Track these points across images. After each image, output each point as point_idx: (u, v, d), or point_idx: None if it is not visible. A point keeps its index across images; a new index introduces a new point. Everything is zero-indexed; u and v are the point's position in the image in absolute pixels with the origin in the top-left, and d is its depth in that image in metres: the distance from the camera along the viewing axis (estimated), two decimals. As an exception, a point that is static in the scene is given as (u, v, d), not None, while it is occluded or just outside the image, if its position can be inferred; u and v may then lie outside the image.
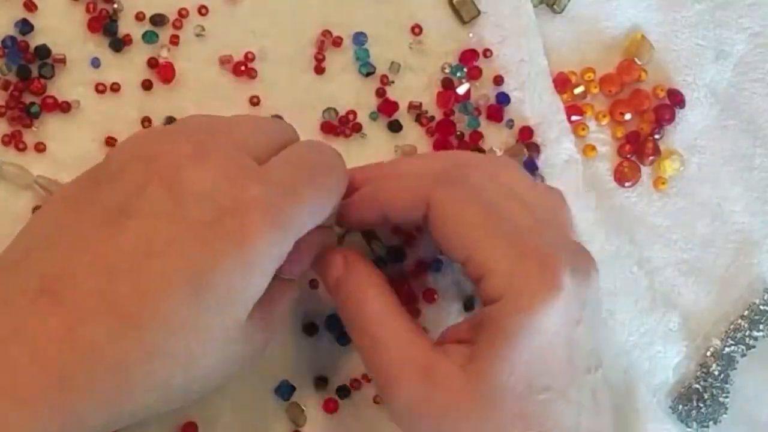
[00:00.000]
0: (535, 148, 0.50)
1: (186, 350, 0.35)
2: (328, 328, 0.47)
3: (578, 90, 0.52)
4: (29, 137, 0.45)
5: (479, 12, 0.50)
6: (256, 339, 0.39)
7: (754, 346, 0.52)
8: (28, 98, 0.45)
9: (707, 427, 0.51)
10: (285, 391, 0.46)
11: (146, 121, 0.47)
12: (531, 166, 0.50)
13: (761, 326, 0.52)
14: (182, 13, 0.47)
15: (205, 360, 0.36)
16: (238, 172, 0.37)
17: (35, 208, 0.45)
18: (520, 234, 0.38)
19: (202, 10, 0.48)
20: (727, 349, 0.52)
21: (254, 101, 0.48)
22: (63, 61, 0.46)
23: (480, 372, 0.37)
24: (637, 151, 0.52)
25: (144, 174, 0.36)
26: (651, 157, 0.52)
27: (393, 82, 0.49)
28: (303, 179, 0.38)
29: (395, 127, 0.49)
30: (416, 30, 0.50)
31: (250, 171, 0.37)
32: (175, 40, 0.47)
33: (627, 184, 0.52)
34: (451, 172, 0.41)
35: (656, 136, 0.52)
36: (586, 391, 0.38)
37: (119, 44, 0.46)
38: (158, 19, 0.47)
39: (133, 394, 0.35)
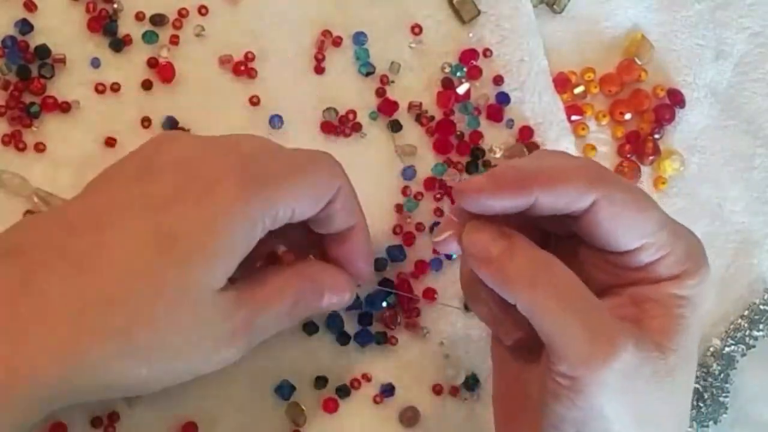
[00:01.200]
0: (535, 148, 0.50)
1: (144, 302, 0.35)
2: (328, 328, 0.47)
3: (578, 90, 0.52)
4: (29, 137, 0.45)
5: (479, 12, 0.50)
6: (234, 319, 0.38)
7: (754, 346, 0.52)
8: (28, 98, 0.45)
9: (707, 427, 0.51)
10: (285, 391, 0.46)
11: (146, 121, 0.47)
12: (531, 166, 0.50)
13: (761, 326, 0.52)
14: (182, 13, 0.47)
15: (168, 319, 0.36)
16: (220, 147, 0.38)
17: (26, 212, 0.45)
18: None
19: (202, 10, 0.48)
20: (727, 349, 0.52)
21: (254, 101, 0.48)
22: (63, 61, 0.46)
23: (673, 346, 0.37)
24: (637, 151, 0.52)
25: (134, 151, 0.39)
26: (651, 157, 0.52)
27: (393, 82, 0.49)
28: (283, 168, 0.39)
29: (395, 126, 0.49)
30: (416, 30, 0.50)
31: (234, 151, 0.38)
32: (175, 40, 0.47)
33: (627, 184, 0.52)
34: (600, 167, 0.40)
35: (656, 136, 0.52)
36: None
37: (119, 44, 0.46)
38: (158, 19, 0.47)
39: (85, 343, 0.34)
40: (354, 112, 0.49)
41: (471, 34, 0.50)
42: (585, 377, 0.35)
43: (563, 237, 0.40)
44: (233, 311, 0.38)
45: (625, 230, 0.37)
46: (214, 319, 0.37)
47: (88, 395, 0.37)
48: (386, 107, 0.49)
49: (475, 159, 0.49)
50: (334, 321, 0.47)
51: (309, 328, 0.47)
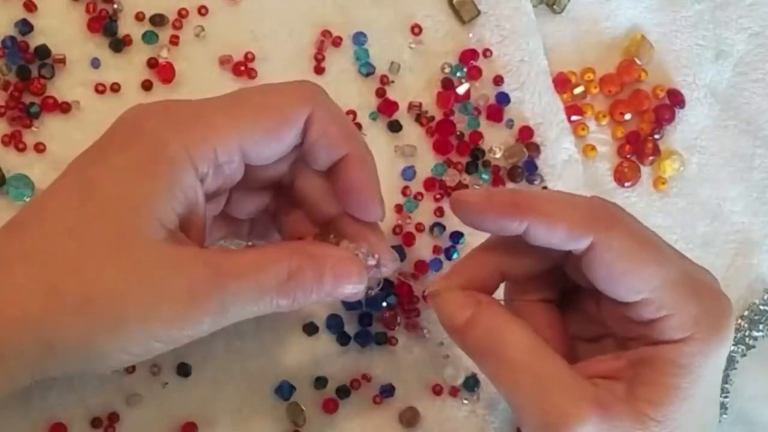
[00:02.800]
0: (534, 148, 0.50)
1: (74, 255, 0.34)
2: (328, 328, 0.47)
3: (578, 90, 0.52)
4: (29, 137, 0.45)
5: (479, 12, 0.50)
6: (191, 276, 0.35)
7: (754, 346, 0.52)
8: (28, 98, 0.45)
9: (707, 427, 0.51)
10: (285, 391, 0.46)
11: (146, 121, 0.47)
12: (531, 166, 0.50)
13: (761, 326, 0.52)
14: (182, 13, 0.47)
15: (98, 271, 0.34)
16: (157, 103, 0.37)
17: None
18: (688, 271, 0.37)
19: (202, 10, 0.48)
20: (727, 349, 0.52)
21: (254, 101, 0.48)
22: (63, 61, 0.46)
23: (658, 418, 0.35)
24: (637, 151, 0.52)
25: None
26: (651, 157, 0.52)
27: (393, 82, 0.49)
28: (218, 104, 0.37)
29: (395, 127, 0.49)
30: (416, 30, 0.50)
31: (168, 101, 0.37)
32: (175, 40, 0.47)
33: (627, 184, 0.52)
34: (613, 211, 0.38)
35: (656, 136, 0.52)
36: None
37: (119, 44, 0.46)
38: (158, 19, 0.47)
39: (11, 297, 0.33)
40: (354, 112, 0.49)
41: (471, 34, 0.50)
42: None
43: (586, 285, 0.39)
44: (188, 267, 0.35)
45: (621, 281, 0.36)
46: (160, 272, 0.34)
47: (41, 359, 0.34)
48: (386, 107, 0.49)
49: (475, 159, 0.49)
50: (334, 321, 0.47)
51: (309, 328, 0.47)
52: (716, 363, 0.36)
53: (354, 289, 0.38)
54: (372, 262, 0.39)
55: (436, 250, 0.49)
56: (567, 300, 0.41)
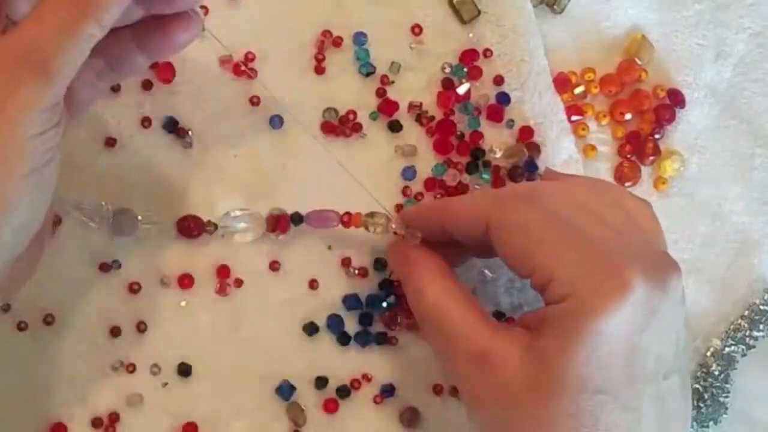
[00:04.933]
0: (535, 148, 0.50)
1: None
2: (328, 328, 0.47)
3: (578, 90, 0.52)
4: (29, 137, 0.45)
5: (479, 12, 0.50)
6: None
7: (754, 346, 0.52)
8: (28, 98, 0.45)
9: (707, 427, 0.51)
10: (285, 391, 0.46)
11: (146, 121, 0.47)
12: (531, 166, 0.50)
13: (761, 326, 0.52)
14: (182, 13, 0.47)
15: None
16: None
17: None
18: (590, 242, 0.38)
19: (202, 10, 0.48)
20: (727, 349, 0.52)
21: (254, 101, 0.48)
22: (63, 61, 0.46)
23: (536, 361, 0.38)
24: (637, 151, 0.52)
25: None
26: (651, 157, 0.52)
27: (393, 82, 0.49)
28: None
29: (395, 127, 0.49)
30: (416, 30, 0.50)
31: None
32: (175, 40, 0.47)
33: (627, 184, 0.52)
34: (513, 193, 0.43)
35: (656, 136, 0.52)
36: (650, 399, 0.38)
37: (119, 44, 0.46)
38: (158, 19, 0.47)
39: None
40: (354, 112, 0.49)
41: (471, 34, 0.50)
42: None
43: None
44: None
45: (513, 254, 0.40)
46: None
47: None
48: (386, 107, 0.49)
49: (475, 159, 0.49)
50: (334, 321, 0.47)
51: (309, 328, 0.47)
52: (596, 329, 0.36)
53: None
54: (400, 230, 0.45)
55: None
56: None
